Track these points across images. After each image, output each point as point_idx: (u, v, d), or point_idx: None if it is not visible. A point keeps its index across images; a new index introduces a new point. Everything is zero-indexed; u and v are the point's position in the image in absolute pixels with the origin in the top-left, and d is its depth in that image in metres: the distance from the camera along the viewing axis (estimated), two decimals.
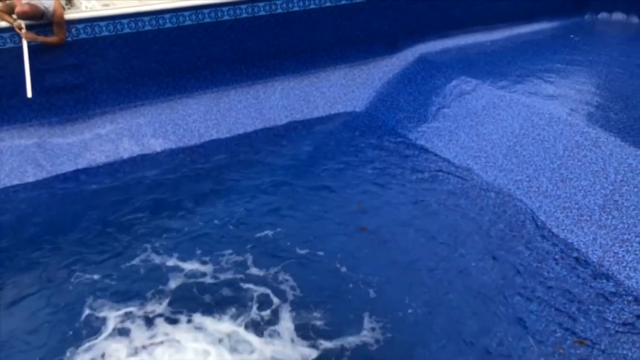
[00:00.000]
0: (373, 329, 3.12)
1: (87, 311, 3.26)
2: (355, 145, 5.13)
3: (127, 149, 4.96)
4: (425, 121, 5.28)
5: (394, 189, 4.43)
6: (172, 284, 3.46)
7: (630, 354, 2.87)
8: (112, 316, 3.23)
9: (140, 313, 3.24)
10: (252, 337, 3.09)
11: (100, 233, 3.94)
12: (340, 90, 5.91)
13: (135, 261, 3.66)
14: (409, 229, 3.95)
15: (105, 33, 4.78)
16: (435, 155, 4.87)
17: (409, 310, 3.24)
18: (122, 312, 3.25)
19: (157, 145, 5.07)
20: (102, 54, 4.85)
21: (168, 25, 5.00)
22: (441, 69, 5.73)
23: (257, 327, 3.14)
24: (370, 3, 5.86)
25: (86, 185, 4.55)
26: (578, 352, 2.90)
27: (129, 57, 4.99)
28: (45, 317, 3.23)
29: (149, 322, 3.18)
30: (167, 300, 3.34)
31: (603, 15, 7.32)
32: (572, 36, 6.65)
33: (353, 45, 6.04)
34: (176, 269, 3.58)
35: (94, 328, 3.15)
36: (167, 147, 5.07)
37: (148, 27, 4.92)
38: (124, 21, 4.80)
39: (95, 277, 3.52)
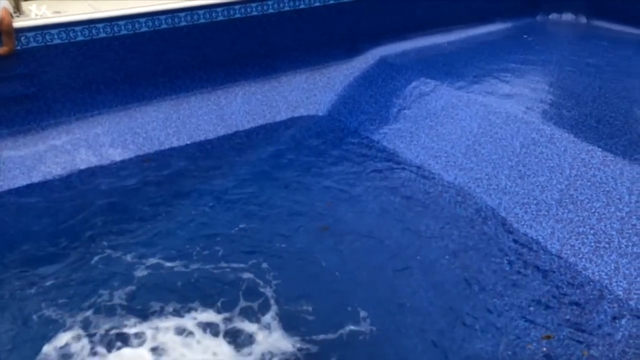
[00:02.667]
0: (337, 327, 3.12)
1: (42, 319, 3.19)
2: (318, 148, 5.14)
3: (85, 159, 4.81)
4: (386, 123, 5.34)
5: (357, 190, 4.46)
6: (128, 291, 3.43)
7: (592, 343, 2.96)
8: (69, 322, 3.18)
9: (97, 320, 3.20)
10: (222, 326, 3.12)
11: (56, 246, 3.82)
12: (302, 94, 5.91)
13: (95, 272, 3.58)
14: (372, 229, 3.98)
15: (57, 41, 4.64)
16: (398, 156, 4.92)
17: (373, 309, 3.25)
18: (79, 318, 3.21)
19: (115, 154, 4.94)
20: (54, 62, 4.71)
21: (123, 32, 4.90)
22: (401, 70, 5.81)
23: (226, 320, 3.13)
24: (329, 7, 5.89)
25: (41, 198, 4.39)
26: (544, 349, 2.96)
27: (84, 66, 4.86)
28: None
29: (105, 332, 3.12)
30: (125, 304, 3.31)
31: (553, 16, 7.57)
32: (525, 36, 6.85)
33: (314, 49, 6.05)
34: (134, 277, 3.53)
35: (48, 336, 3.09)
36: (126, 156, 4.95)
37: (102, 35, 4.80)
38: (77, 28, 4.67)
39: (53, 290, 3.42)
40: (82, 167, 4.77)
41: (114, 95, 5.15)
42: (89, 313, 3.26)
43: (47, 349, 3.02)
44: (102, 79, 5.03)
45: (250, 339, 3.09)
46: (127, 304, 3.32)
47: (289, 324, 3.17)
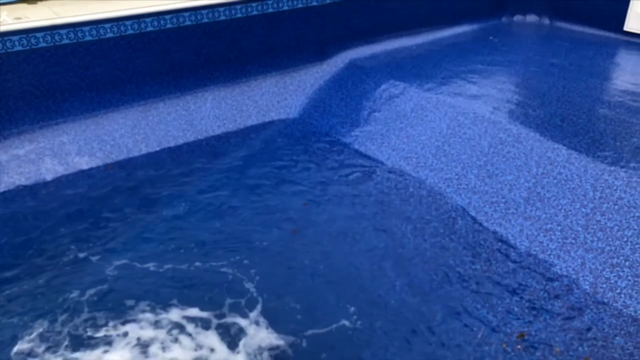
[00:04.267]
0: (309, 326, 3.12)
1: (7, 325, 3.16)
2: (290, 152, 5.13)
3: (50, 169, 4.69)
4: (357, 125, 5.36)
5: (330, 192, 4.46)
6: (100, 292, 3.43)
7: (562, 338, 3.02)
8: (37, 326, 3.16)
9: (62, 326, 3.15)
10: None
11: (19, 257, 3.73)
12: (273, 98, 5.90)
13: (64, 277, 3.56)
14: (346, 230, 4.00)
15: (18, 48, 4.51)
16: (369, 158, 4.94)
17: (348, 311, 3.26)
18: (47, 321, 3.18)
19: (82, 163, 4.83)
20: (15, 70, 4.58)
21: (88, 38, 4.80)
22: (370, 73, 5.85)
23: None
24: (298, 11, 5.89)
25: (4, 210, 4.26)
26: (518, 347, 3.00)
27: (47, 73, 4.74)
28: None
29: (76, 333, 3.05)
30: (97, 305, 3.32)
31: (518, 17, 7.74)
32: (491, 38, 6.98)
33: (283, 53, 6.04)
34: (106, 280, 3.54)
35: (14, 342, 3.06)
36: (93, 164, 4.84)
37: (66, 41, 4.70)
38: (39, 35, 4.56)
39: (20, 297, 3.37)
40: (48, 176, 4.65)
41: (79, 103, 5.04)
42: (59, 316, 3.25)
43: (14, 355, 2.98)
44: (66, 86, 4.91)
45: (236, 334, 3.10)
46: (100, 305, 3.33)
47: (273, 320, 3.21)
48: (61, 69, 4.81)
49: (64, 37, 4.69)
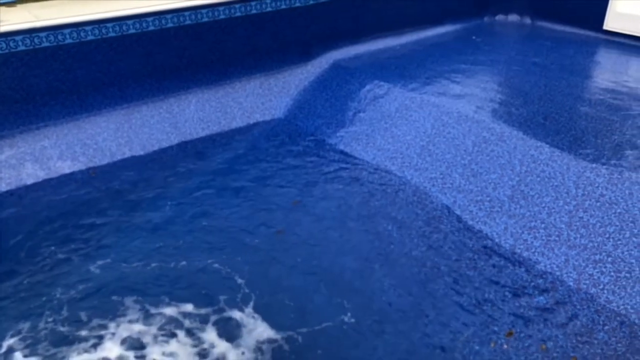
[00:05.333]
0: (300, 324, 3.11)
1: None
2: (275, 153, 5.11)
3: (31, 174, 4.62)
4: (343, 126, 5.37)
5: (316, 192, 4.46)
6: (86, 292, 3.41)
7: (548, 335, 3.05)
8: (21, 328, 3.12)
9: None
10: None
11: (1, 263, 3.68)
12: (257, 99, 5.87)
13: (49, 277, 3.56)
14: (332, 231, 3.99)
15: None
16: (355, 158, 4.95)
17: (336, 312, 3.25)
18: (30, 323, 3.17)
19: (65, 167, 4.77)
20: None
21: (68, 41, 4.74)
22: (355, 74, 5.85)
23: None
24: (281, 12, 5.88)
25: None
26: (506, 346, 3.02)
27: (26, 76, 4.67)
28: None
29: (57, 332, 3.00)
30: (85, 305, 3.30)
31: (500, 17, 7.81)
32: (474, 37, 7.03)
33: (267, 54, 6.03)
34: (90, 279, 3.50)
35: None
36: (76, 168, 4.78)
37: (46, 44, 4.63)
38: (17, 38, 4.49)
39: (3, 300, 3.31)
40: (29, 182, 4.58)
41: (61, 107, 4.97)
42: (44, 316, 3.26)
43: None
44: (47, 89, 4.85)
45: (226, 329, 3.08)
46: (85, 303, 3.36)
47: (266, 317, 3.23)
48: (41, 72, 4.74)
49: (44, 40, 4.62)
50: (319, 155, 5.04)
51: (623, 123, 4.45)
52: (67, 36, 4.73)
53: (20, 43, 4.51)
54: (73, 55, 4.83)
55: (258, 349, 3.05)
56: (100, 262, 3.70)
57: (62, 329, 3.18)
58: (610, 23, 6.64)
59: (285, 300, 3.38)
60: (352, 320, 3.21)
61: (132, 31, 5.05)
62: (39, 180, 4.62)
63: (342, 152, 5.07)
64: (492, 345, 3.00)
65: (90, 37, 4.85)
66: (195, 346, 3.08)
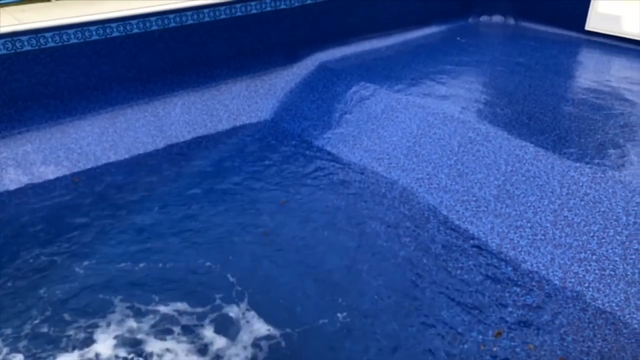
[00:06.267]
0: (290, 324, 3.11)
1: None
2: (262, 156, 5.09)
3: (14, 179, 4.56)
4: (329, 127, 5.37)
5: (303, 195, 4.45)
6: (73, 293, 3.41)
7: (536, 334, 3.07)
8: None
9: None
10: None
11: None
12: (244, 102, 5.85)
13: (34, 279, 3.55)
14: (320, 232, 3.99)
15: None
16: (341, 159, 4.95)
17: (324, 312, 3.25)
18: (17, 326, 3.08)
19: (48, 172, 4.71)
20: None
21: (50, 44, 4.68)
22: (341, 75, 5.86)
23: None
24: (267, 14, 5.87)
25: None
26: (495, 348, 3.03)
27: (7, 81, 4.60)
28: None
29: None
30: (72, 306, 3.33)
31: (484, 18, 7.87)
32: (458, 38, 7.08)
33: (253, 56, 6.01)
34: (76, 280, 3.53)
35: None
36: (60, 174, 4.72)
37: (27, 48, 4.57)
38: None
39: None
40: (12, 187, 4.51)
41: (44, 111, 4.91)
42: (30, 318, 3.26)
43: None
44: (29, 94, 4.78)
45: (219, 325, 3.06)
46: (72, 304, 3.37)
47: (259, 314, 3.21)
48: (23, 76, 4.68)
49: (25, 43, 4.56)
50: (305, 157, 5.03)
51: (606, 122, 4.50)
52: (50, 40, 4.67)
53: (1, 47, 4.45)
54: (56, 59, 4.77)
55: (254, 345, 3.05)
56: (85, 264, 3.69)
57: (46, 330, 3.18)
58: (592, 23, 6.73)
59: (277, 300, 3.40)
60: (341, 319, 3.21)
61: (116, 34, 5.00)
62: (21, 185, 4.56)
63: (329, 153, 5.07)
64: (481, 347, 3.01)
65: (73, 40, 4.79)
66: (190, 343, 3.08)
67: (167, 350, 3.05)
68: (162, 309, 3.32)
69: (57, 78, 4.87)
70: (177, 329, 3.18)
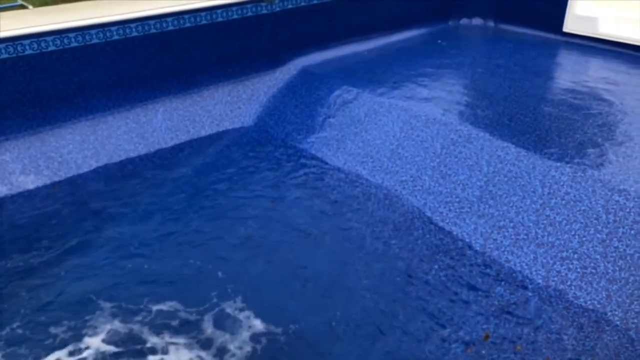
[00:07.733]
0: (281, 323, 3.09)
1: None
2: (246, 161, 5.08)
3: None
4: (313, 132, 5.37)
5: (288, 200, 4.44)
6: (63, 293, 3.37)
7: (522, 334, 3.10)
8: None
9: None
10: None
11: None
12: (226, 107, 5.83)
13: (14, 285, 3.44)
14: (305, 237, 3.99)
15: None
16: (326, 163, 4.96)
17: (306, 317, 3.25)
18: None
19: (28, 182, 4.64)
20: None
21: (28, 52, 4.62)
22: (324, 80, 5.87)
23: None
24: (248, 19, 5.86)
25: None
26: (484, 351, 3.04)
27: None
28: None
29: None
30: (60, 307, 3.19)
31: (464, 20, 7.96)
32: (439, 41, 7.14)
33: (235, 61, 5.99)
34: (61, 283, 3.47)
35: None
36: (40, 183, 4.66)
37: (5, 55, 4.50)
38: None
39: None
40: None
41: (22, 120, 4.83)
42: (11, 324, 3.24)
43: None
44: (7, 102, 4.70)
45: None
46: (57, 308, 3.38)
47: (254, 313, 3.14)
48: (1, 85, 4.60)
49: (3, 51, 4.49)
50: (289, 162, 5.03)
51: (584, 122, 4.57)
52: (27, 47, 4.61)
53: None
54: (34, 67, 4.71)
55: (249, 342, 3.03)
56: (66, 270, 3.68)
57: (28, 333, 3.18)
58: (570, 25, 6.84)
59: (264, 302, 3.41)
60: (328, 322, 3.21)
61: (95, 41, 4.95)
62: (0, 195, 4.48)
63: (313, 157, 5.07)
64: (468, 350, 3.02)
65: (51, 48, 4.73)
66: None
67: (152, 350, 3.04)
68: (153, 307, 3.35)
69: (36, 86, 4.80)
70: (167, 330, 3.15)
